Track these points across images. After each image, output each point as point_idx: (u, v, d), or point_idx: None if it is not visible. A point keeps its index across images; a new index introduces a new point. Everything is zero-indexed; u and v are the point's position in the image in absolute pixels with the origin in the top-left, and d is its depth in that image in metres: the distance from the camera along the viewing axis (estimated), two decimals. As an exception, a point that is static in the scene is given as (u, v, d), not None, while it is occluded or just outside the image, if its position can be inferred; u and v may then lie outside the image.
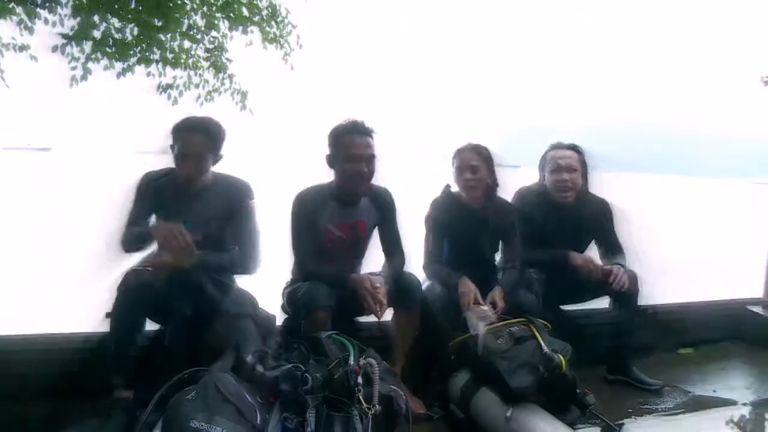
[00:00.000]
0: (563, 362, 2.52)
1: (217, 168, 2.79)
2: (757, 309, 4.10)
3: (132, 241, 2.62)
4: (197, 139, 2.62)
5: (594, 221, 3.34)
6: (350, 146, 2.75)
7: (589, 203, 3.33)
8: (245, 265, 2.75)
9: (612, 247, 3.35)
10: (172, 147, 2.67)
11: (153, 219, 2.75)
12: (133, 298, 2.41)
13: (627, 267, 3.22)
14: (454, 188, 3.16)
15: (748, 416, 3.02)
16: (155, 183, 2.72)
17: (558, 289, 3.27)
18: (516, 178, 3.40)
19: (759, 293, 4.19)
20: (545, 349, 2.58)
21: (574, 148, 3.26)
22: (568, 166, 3.19)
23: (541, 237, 3.18)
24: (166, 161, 2.71)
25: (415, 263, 3.04)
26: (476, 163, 3.02)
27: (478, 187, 3.05)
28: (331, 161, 2.82)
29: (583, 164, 3.26)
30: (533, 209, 3.26)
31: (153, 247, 2.61)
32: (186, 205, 2.71)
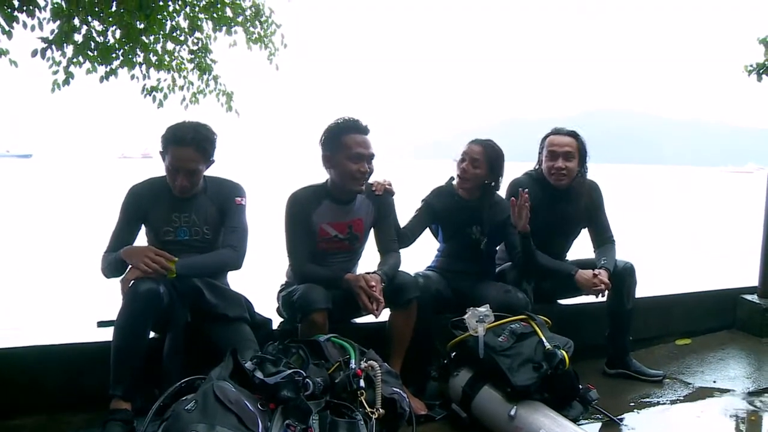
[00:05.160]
0: (566, 358, 2.50)
1: (209, 171, 2.73)
2: (752, 297, 4.11)
3: (108, 268, 2.53)
4: (189, 154, 2.52)
5: (588, 206, 3.31)
6: (355, 146, 2.71)
7: (584, 188, 3.29)
8: (229, 262, 2.66)
9: (603, 231, 3.34)
10: (162, 154, 2.58)
11: (141, 232, 2.69)
12: (142, 308, 2.33)
13: (618, 260, 3.21)
14: (456, 180, 3.17)
15: (748, 406, 3.01)
16: (143, 195, 2.64)
17: (554, 283, 3.27)
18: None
19: (753, 281, 4.19)
20: (547, 345, 2.56)
21: (572, 134, 3.21)
22: (565, 154, 3.16)
23: (537, 223, 3.08)
24: (150, 165, 2.64)
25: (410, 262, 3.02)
26: (477, 157, 3.03)
27: (469, 180, 3.05)
28: (332, 160, 2.75)
29: (581, 151, 3.21)
30: (530, 194, 3.22)
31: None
32: (178, 212, 2.65)
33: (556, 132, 3.23)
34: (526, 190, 2.88)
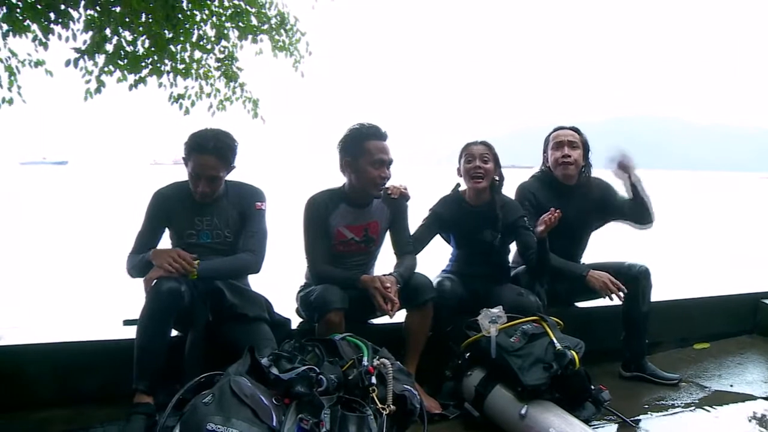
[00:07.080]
0: (576, 358, 2.53)
1: (231, 176, 2.81)
2: (772, 302, 4.06)
3: (134, 269, 2.64)
4: (210, 161, 2.61)
5: (600, 202, 3.32)
6: (377, 152, 2.79)
7: (591, 186, 3.32)
8: (248, 266, 2.74)
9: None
10: (185, 160, 2.68)
11: (165, 234, 2.79)
12: (164, 306, 2.43)
13: (633, 263, 3.24)
14: (462, 188, 3.21)
15: (766, 410, 3.00)
16: (168, 199, 2.75)
17: (568, 286, 3.29)
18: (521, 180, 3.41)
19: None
20: (558, 346, 2.59)
21: (574, 128, 3.28)
22: (569, 142, 3.22)
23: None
24: (181, 171, 2.75)
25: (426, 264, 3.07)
26: (486, 152, 3.08)
27: (485, 177, 3.07)
28: (353, 165, 2.82)
29: (584, 144, 3.27)
30: (537, 195, 3.26)
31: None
32: (200, 216, 2.75)
33: (559, 128, 3.32)
34: (558, 210, 2.89)
